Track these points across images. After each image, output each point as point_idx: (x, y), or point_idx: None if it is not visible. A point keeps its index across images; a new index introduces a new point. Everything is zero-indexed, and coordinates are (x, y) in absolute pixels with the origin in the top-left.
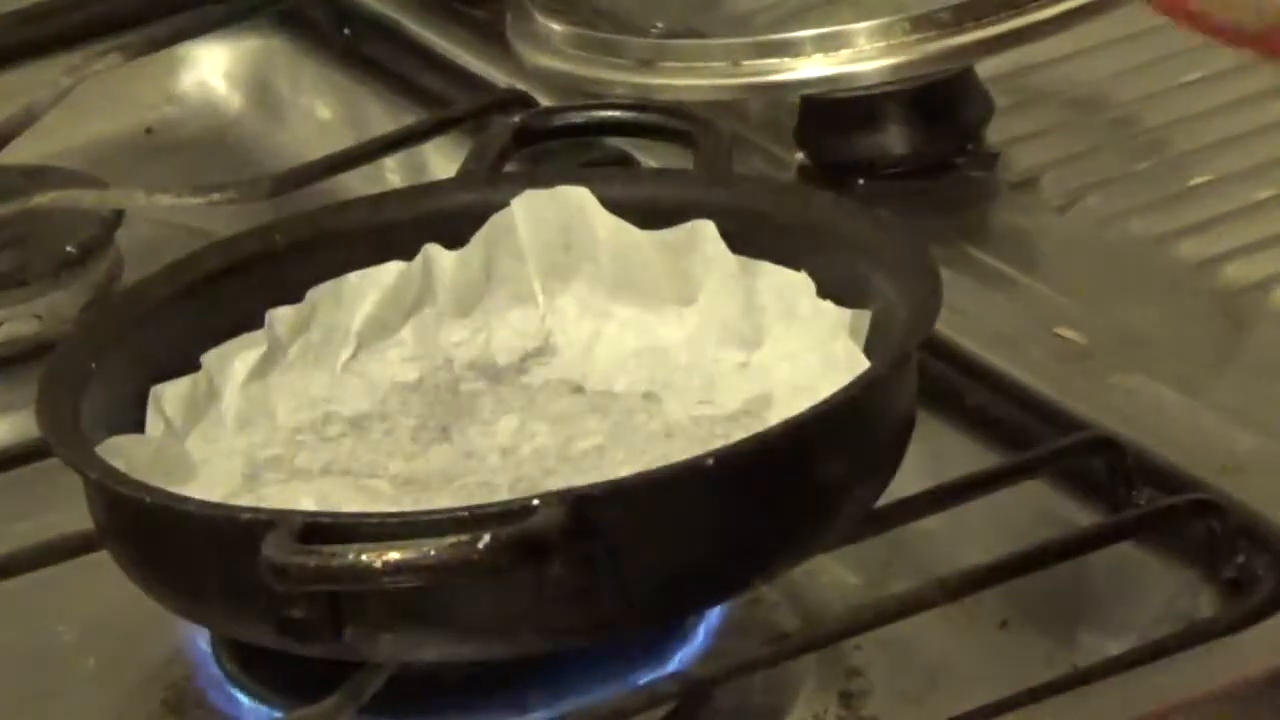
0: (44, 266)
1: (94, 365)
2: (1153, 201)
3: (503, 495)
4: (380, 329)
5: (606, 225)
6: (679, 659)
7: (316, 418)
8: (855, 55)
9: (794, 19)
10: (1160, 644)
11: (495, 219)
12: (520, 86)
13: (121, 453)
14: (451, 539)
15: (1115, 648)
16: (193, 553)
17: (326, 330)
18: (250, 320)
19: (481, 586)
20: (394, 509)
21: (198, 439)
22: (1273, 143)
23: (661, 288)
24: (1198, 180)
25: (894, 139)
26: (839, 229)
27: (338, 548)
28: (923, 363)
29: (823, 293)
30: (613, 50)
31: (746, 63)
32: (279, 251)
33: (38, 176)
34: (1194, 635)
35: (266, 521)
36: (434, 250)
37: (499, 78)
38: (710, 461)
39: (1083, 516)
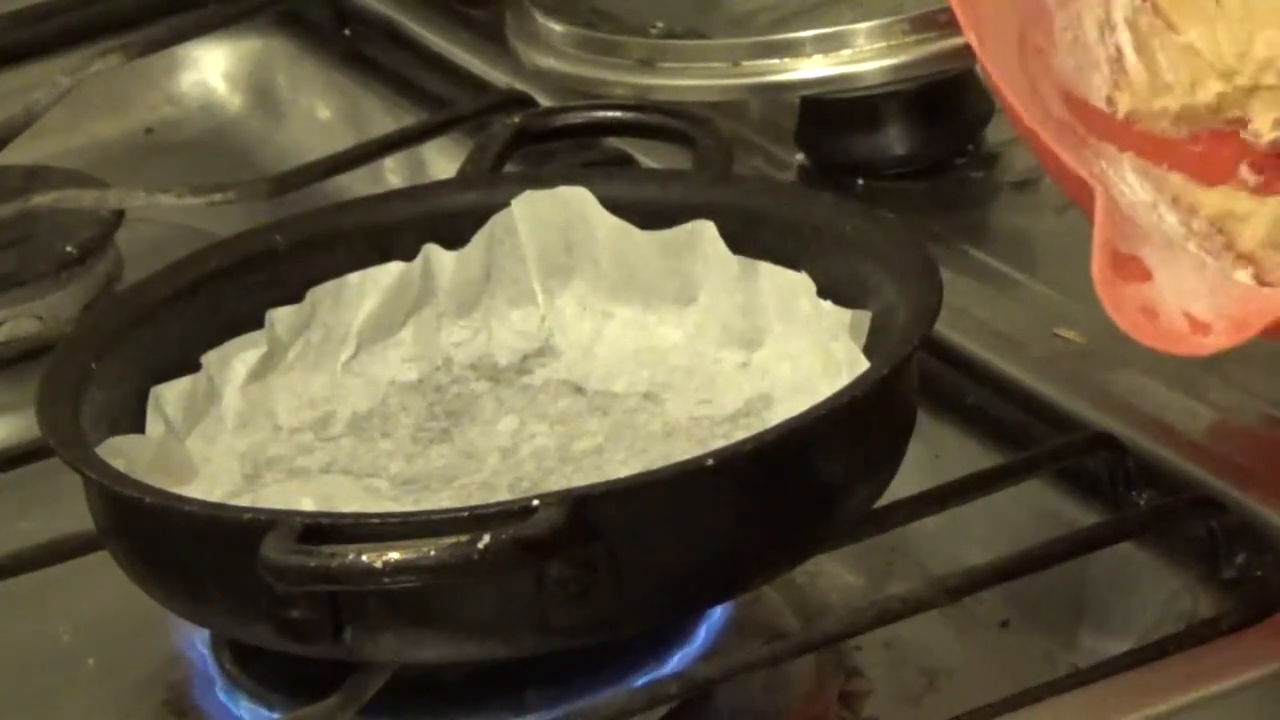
0: (44, 266)
1: (94, 365)
2: None
3: (503, 495)
4: (380, 329)
5: (607, 225)
6: (679, 659)
7: (316, 418)
8: (855, 55)
9: (794, 19)
10: (1160, 644)
11: (495, 219)
12: (520, 87)
13: (121, 453)
14: (451, 539)
15: (1115, 648)
16: (193, 553)
17: (326, 330)
18: (250, 320)
19: (481, 587)
20: (394, 509)
21: (198, 439)
22: None
23: (661, 288)
24: None
25: (894, 139)
26: (839, 229)
27: (337, 548)
28: (923, 363)
29: (823, 293)
30: (613, 50)
31: (746, 63)
32: (279, 251)
33: (38, 176)
34: (1194, 635)
35: (266, 521)
36: (434, 250)
37: (499, 78)
38: (710, 461)
39: (1083, 516)
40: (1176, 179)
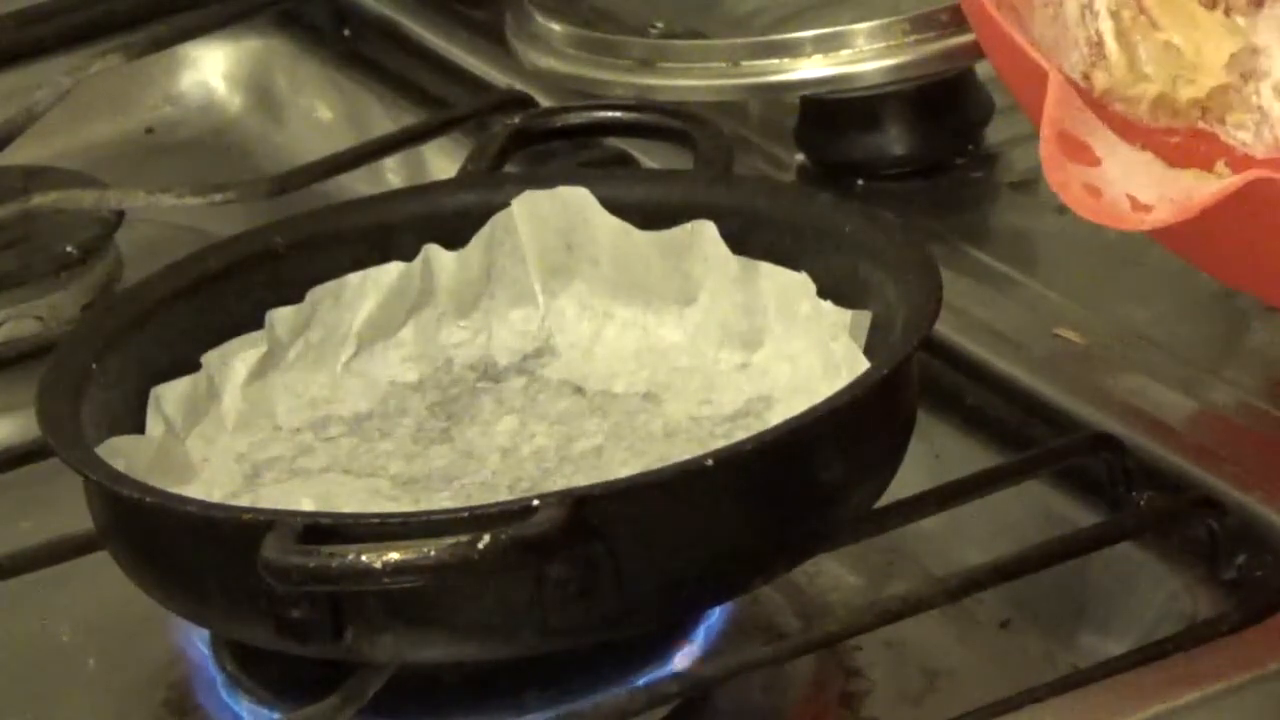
0: (44, 266)
1: (94, 366)
2: None
3: (502, 495)
4: (380, 329)
5: (607, 225)
6: (679, 659)
7: (316, 418)
8: (855, 55)
9: (794, 19)
10: (1160, 644)
11: (495, 219)
12: (520, 87)
13: (121, 453)
14: (451, 539)
15: (1115, 648)
16: (193, 553)
17: (326, 330)
18: (250, 320)
19: (481, 587)
20: (394, 509)
21: (198, 439)
22: None
23: (661, 288)
24: None
25: (894, 139)
26: (839, 229)
27: (337, 548)
28: (923, 363)
29: (823, 293)
30: (613, 50)
31: (746, 63)
32: (279, 251)
33: (38, 176)
34: (1194, 635)
35: (266, 522)
36: (434, 251)
37: (499, 78)
38: (710, 461)
39: (1083, 516)
40: (1147, 155)
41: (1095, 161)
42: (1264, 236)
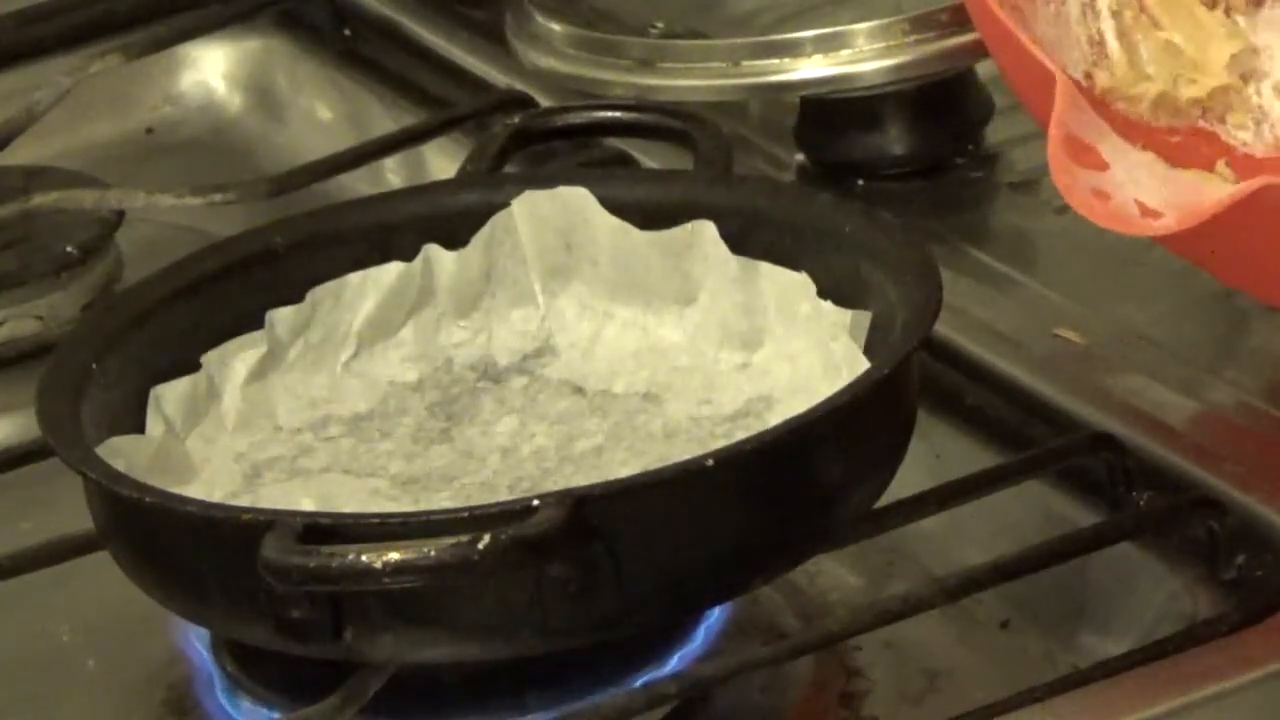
0: (44, 266)
1: (94, 366)
2: None
3: (503, 495)
4: (380, 330)
5: (606, 226)
6: (679, 659)
7: (316, 418)
8: (855, 55)
9: (794, 19)
10: (1160, 644)
11: (495, 219)
12: (520, 87)
13: (121, 453)
14: (451, 539)
15: (1115, 648)
16: (193, 553)
17: (326, 330)
18: (250, 320)
19: (481, 587)
20: (394, 509)
21: (198, 439)
22: None
23: (661, 288)
24: None
25: (894, 139)
26: (839, 229)
27: (337, 548)
28: (923, 363)
29: (823, 293)
30: (613, 50)
31: (746, 63)
32: (279, 251)
33: (38, 176)
34: (1194, 635)
35: (266, 522)
36: (434, 251)
37: (499, 78)
38: (710, 461)
39: (1083, 516)
40: (1150, 155)
41: (1103, 166)
42: (1270, 241)
